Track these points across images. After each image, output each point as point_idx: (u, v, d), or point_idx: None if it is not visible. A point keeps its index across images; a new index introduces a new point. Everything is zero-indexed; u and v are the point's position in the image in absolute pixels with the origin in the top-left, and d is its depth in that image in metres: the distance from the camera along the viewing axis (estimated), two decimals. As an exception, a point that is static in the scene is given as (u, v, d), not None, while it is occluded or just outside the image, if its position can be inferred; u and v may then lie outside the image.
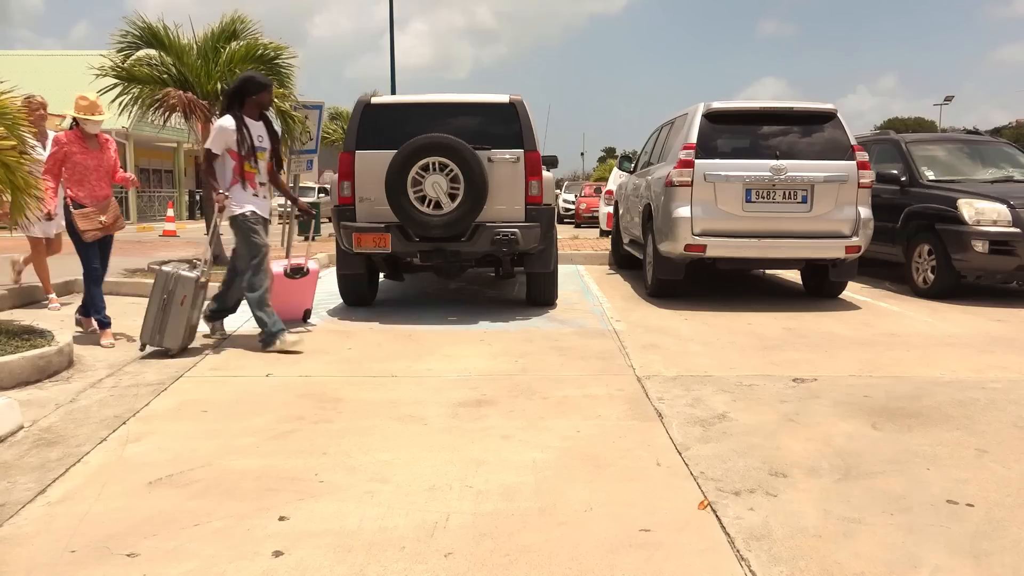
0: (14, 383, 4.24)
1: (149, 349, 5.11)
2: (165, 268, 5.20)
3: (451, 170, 6.12)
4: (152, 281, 5.23)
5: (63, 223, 6.24)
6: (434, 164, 6.14)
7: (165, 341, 5.06)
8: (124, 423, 3.67)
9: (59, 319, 5.99)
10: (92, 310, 5.52)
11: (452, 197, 6.17)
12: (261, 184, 5.44)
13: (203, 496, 2.83)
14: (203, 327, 5.53)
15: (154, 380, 4.46)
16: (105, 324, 5.46)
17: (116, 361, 4.90)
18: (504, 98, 6.54)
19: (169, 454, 3.27)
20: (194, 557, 2.38)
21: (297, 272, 6.21)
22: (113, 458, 3.23)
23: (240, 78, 5.51)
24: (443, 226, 6.21)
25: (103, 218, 5.41)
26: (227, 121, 5.28)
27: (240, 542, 2.47)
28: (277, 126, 9.71)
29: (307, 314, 6.34)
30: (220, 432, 3.57)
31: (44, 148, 5.97)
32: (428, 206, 6.20)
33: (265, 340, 5.27)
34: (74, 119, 5.40)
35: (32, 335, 4.89)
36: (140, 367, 4.76)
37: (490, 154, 6.37)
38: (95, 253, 5.46)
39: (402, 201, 6.16)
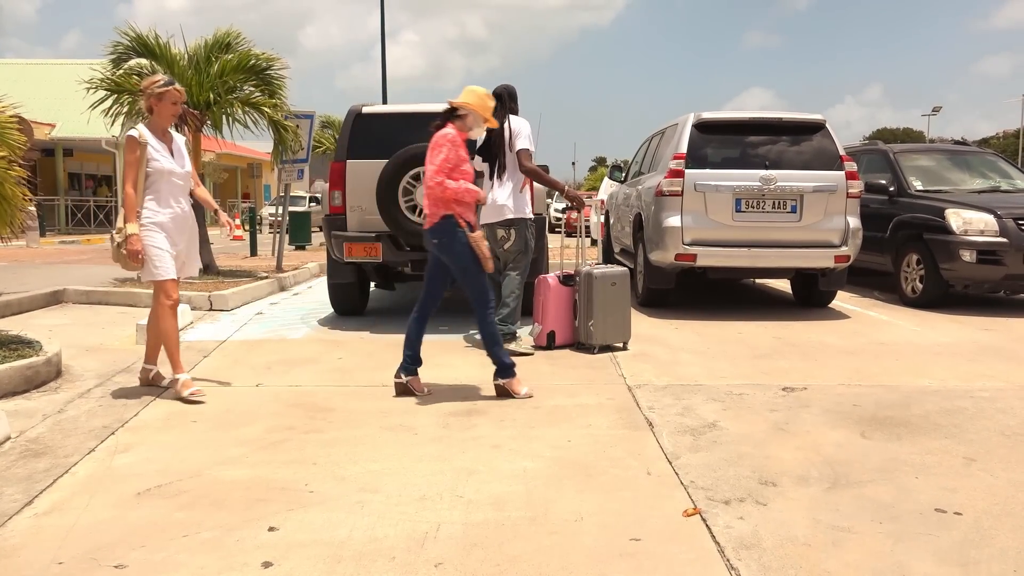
0: (1, 393, 4.21)
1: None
2: (595, 271, 5.52)
3: None
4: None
5: (192, 263, 4.69)
6: (424, 173, 6.12)
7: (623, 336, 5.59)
8: (113, 433, 3.65)
9: (47, 329, 5.95)
10: (413, 346, 4.46)
11: None
12: None
13: (192, 507, 2.81)
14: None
15: (143, 390, 4.43)
16: (413, 370, 4.45)
17: (105, 371, 4.88)
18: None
19: (158, 464, 3.25)
20: (183, 568, 2.36)
21: (569, 280, 5.75)
22: (101, 469, 3.21)
23: (509, 86, 5.68)
24: None
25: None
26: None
27: (229, 553, 2.46)
28: (271, 136, 9.79)
29: (551, 337, 5.65)
30: (209, 442, 3.55)
31: (172, 152, 4.45)
32: (419, 215, 6.18)
33: (507, 338, 5.35)
34: (449, 113, 4.40)
35: (19, 345, 4.85)
36: (129, 377, 4.73)
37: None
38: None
39: (393, 211, 6.14)
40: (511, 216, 5.51)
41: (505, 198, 5.52)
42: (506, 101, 5.58)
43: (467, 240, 4.22)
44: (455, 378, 4.78)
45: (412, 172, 6.11)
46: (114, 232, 4.36)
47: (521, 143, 5.47)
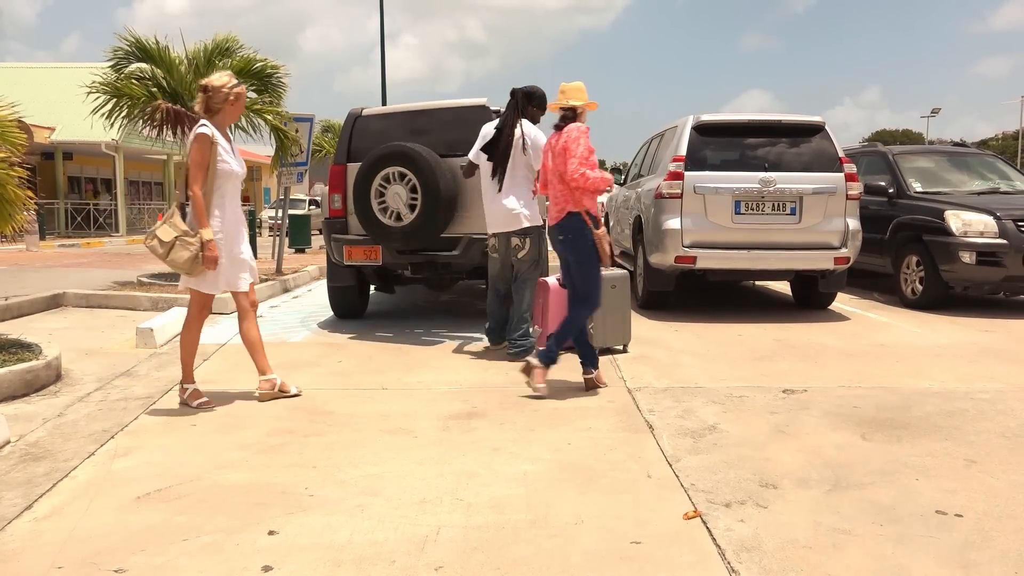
0: (1, 397, 4.21)
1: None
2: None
3: (409, 180, 5.95)
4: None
5: (246, 270, 4.29)
6: (394, 174, 5.96)
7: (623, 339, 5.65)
8: (112, 437, 3.65)
9: (47, 332, 5.95)
10: (585, 348, 4.64)
11: (412, 207, 5.96)
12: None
13: (192, 511, 2.81)
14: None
15: (143, 394, 4.43)
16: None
17: (104, 375, 4.87)
18: (494, 105, 6.52)
19: (158, 468, 3.24)
20: (183, 572, 2.36)
21: None
22: (101, 473, 3.21)
23: (531, 87, 5.51)
24: (403, 237, 6.02)
25: None
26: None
27: (229, 557, 2.45)
28: (274, 140, 9.80)
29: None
30: (209, 446, 3.55)
31: (232, 151, 4.30)
32: (390, 217, 6.03)
33: (525, 350, 5.26)
34: (569, 110, 4.59)
35: (19, 348, 4.86)
36: (128, 381, 4.73)
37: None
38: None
39: (367, 212, 6.01)
40: (527, 225, 5.37)
41: (519, 205, 5.36)
42: (519, 103, 5.42)
43: (593, 237, 4.42)
44: (454, 381, 4.77)
45: (382, 173, 5.95)
46: (180, 235, 4.02)
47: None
